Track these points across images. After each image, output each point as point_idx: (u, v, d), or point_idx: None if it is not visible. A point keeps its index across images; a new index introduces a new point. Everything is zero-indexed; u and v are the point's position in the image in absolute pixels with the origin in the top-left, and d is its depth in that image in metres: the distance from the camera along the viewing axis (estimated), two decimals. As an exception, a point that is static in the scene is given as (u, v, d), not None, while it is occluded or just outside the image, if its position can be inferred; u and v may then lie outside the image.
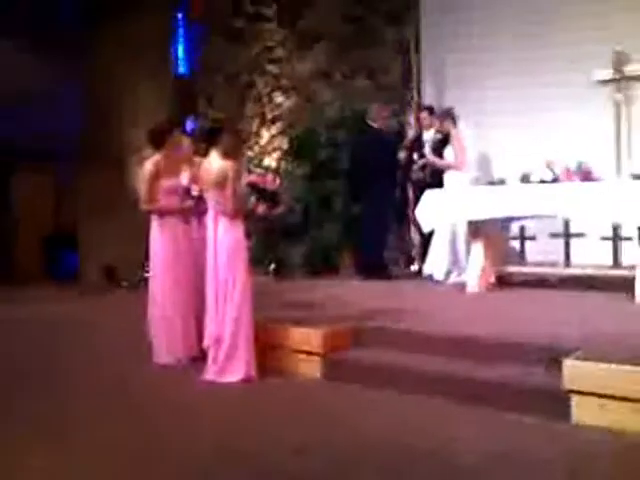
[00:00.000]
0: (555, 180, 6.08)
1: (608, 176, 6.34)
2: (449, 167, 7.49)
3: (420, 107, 8.73)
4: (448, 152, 7.50)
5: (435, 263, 7.52)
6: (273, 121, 10.06)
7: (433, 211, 6.68)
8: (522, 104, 7.88)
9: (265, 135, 10.07)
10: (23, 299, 9.25)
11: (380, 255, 7.96)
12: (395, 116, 8.93)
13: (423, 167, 7.98)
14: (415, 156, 8.11)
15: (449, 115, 7.49)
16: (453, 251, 7.40)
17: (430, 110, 8.27)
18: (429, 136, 8.10)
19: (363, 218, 8.09)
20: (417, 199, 7.37)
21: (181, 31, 10.98)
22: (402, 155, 8.18)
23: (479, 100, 8.15)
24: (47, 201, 12.94)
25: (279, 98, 10.03)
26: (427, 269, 7.66)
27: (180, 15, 10.86)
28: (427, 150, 8.00)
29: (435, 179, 7.62)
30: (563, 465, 3.16)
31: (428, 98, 8.94)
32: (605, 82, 7.59)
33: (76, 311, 8.02)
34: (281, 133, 9.88)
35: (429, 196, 6.76)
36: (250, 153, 9.92)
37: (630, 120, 7.44)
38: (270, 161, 9.86)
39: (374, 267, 7.82)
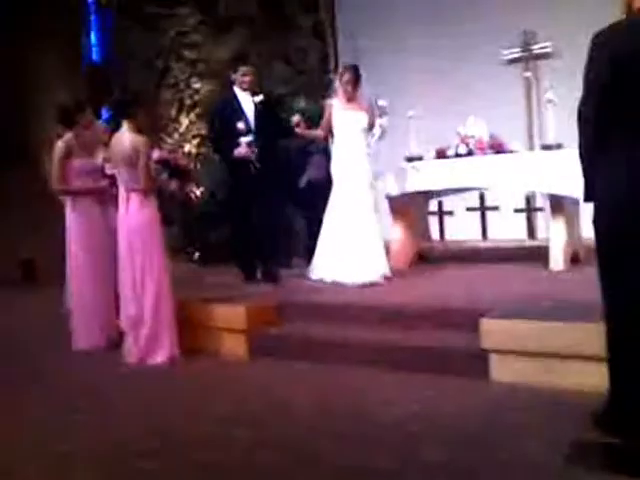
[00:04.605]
0: (470, 153, 6.23)
1: (520, 149, 6.50)
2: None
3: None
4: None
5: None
6: (192, 107, 9.91)
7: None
8: (437, 83, 8.00)
9: (184, 122, 9.92)
10: None
11: None
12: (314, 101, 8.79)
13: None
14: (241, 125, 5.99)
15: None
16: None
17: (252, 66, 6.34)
18: (247, 100, 6.11)
19: None
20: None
21: (93, 18, 10.67)
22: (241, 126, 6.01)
23: (395, 82, 8.20)
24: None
25: (197, 84, 9.89)
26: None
27: (90, 1, 10.55)
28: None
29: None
30: (478, 418, 3.30)
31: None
32: (514, 61, 7.84)
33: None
34: (200, 119, 9.73)
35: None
36: (169, 140, 9.75)
37: (539, 95, 7.65)
38: (190, 147, 9.72)
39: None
